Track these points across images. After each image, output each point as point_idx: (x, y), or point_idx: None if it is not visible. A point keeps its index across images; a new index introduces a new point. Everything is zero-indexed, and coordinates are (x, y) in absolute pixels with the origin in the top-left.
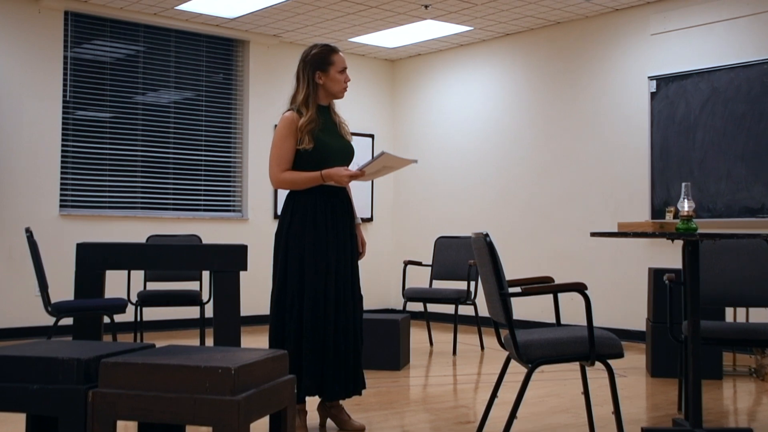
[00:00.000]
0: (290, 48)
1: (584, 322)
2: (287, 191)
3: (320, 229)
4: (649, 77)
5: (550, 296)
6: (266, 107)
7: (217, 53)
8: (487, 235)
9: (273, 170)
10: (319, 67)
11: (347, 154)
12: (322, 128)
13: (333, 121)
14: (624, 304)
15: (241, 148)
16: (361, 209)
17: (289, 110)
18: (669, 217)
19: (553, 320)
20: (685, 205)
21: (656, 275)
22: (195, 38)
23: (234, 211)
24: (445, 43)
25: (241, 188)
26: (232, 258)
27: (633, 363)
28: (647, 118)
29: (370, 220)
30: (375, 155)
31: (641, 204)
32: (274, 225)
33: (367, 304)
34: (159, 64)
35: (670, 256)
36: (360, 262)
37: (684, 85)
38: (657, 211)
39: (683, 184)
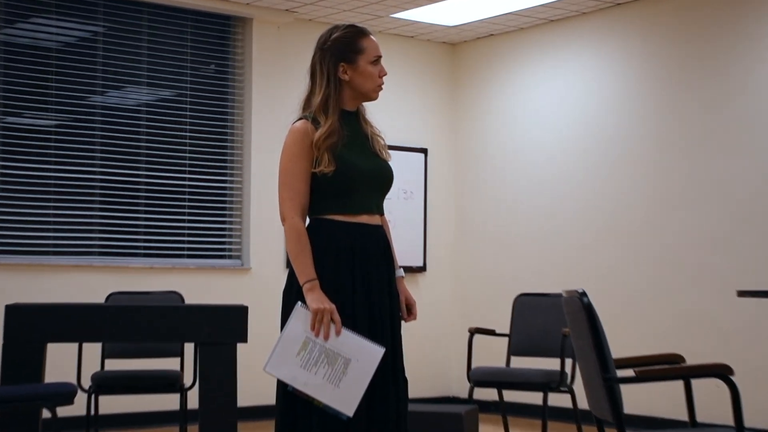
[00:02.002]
0: (309, 28)
1: (731, 421)
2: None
3: (345, 284)
4: None
5: (680, 383)
6: (276, 111)
7: (208, 36)
8: (583, 293)
9: (285, 206)
10: (344, 57)
11: (382, 179)
12: (347, 143)
13: (363, 132)
14: None
15: (240, 170)
16: (408, 255)
17: (300, 119)
18: None
19: (684, 417)
20: None
21: None
22: (177, 16)
23: (230, 257)
24: (528, 18)
25: (240, 226)
26: (227, 325)
27: None
28: None
29: (423, 269)
30: (371, 354)
31: None
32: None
33: (417, 389)
34: (126, 51)
35: None
36: (406, 330)
37: None
38: None
39: None
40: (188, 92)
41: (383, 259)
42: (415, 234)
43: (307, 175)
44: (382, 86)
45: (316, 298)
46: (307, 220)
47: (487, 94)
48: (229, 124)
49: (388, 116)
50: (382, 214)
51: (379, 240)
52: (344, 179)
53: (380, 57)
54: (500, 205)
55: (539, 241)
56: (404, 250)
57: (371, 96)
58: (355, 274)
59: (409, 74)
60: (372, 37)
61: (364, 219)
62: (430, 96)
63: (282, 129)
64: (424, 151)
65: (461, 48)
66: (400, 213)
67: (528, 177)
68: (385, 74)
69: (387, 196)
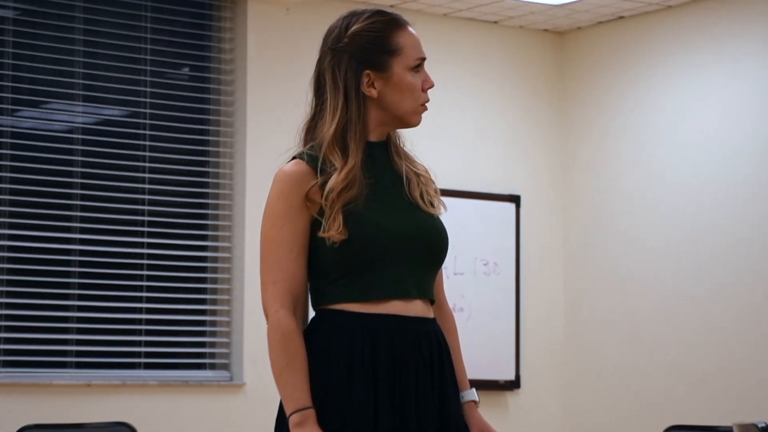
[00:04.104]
0: (333, 10)
1: None
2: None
3: (361, 415)
4: None
5: None
6: (283, 138)
7: (178, 24)
8: (766, 429)
9: (266, 295)
10: (369, 62)
11: (426, 242)
12: (372, 191)
13: (394, 171)
14: None
15: (228, 229)
16: (490, 363)
17: (294, 158)
18: None
19: None
20: None
21: None
22: None
23: (212, 367)
24: None
25: (228, 318)
26: None
27: None
28: None
29: (514, 386)
30: None
31: None
32: None
33: None
34: (51, 48)
35: None
36: None
37: None
38: None
39: None
40: (147, 110)
41: (432, 372)
42: (501, 331)
43: (299, 243)
44: (427, 105)
45: None
46: (312, 313)
47: (613, 108)
48: (212, 159)
49: (457, 147)
50: (430, 299)
51: (423, 341)
52: (359, 248)
53: (424, 60)
54: (636, 283)
55: (699, 343)
56: (484, 355)
57: (410, 120)
58: (378, 397)
59: (490, 81)
60: (410, 29)
61: (396, 308)
62: (523, 115)
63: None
64: (515, 199)
65: (572, 38)
66: (477, 297)
67: (682, 239)
68: (431, 86)
69: (452, 270)
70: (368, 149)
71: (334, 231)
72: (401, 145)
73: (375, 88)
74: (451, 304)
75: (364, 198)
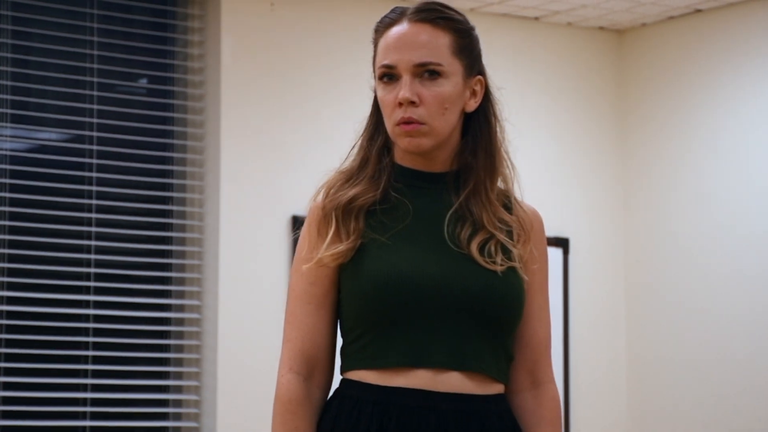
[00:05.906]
0: (323, 7)
1: None
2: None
3: None
4: None
5: None
6: (263, 167)
7: (134, 24)
8: None
9: (280, 359)
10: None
11: (474, 302)
12: (400, 230)
13: (446, 209)
14: None
15: (198, 286)
16: None
17: None
18: None
19: None
20: None
21: None
22: None
23: None
24: None
25: (198, 398)
26: None
27: None
28: None
29: None
30: None
31: None
32: None
33: None
34: None
35: None
36: None
37: None
38: None
39: None
40: (93, 134)
41: None
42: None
43: (319, 293)
44: (404, 125)
45: None
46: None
47: (687, 127)
48: (176, 195)
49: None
50: (482, 372)
51: (453, 424)
52: (371, 294)
53: (391, 68)
54: (717, 350)
55: None
56: None
57: (398, 143)
58: None
59: (528, 93)
60: (395, 28)
61: (421, 380)
62: (572, 136)
63: (286, 204)
64: (563, 243)
65: (636, 37)
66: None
67: None
68: (402, 99)
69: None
70: (414, 179)
71: (344, 246)
72: (487, 186)
73: None
74: None
75: (388, 231)
